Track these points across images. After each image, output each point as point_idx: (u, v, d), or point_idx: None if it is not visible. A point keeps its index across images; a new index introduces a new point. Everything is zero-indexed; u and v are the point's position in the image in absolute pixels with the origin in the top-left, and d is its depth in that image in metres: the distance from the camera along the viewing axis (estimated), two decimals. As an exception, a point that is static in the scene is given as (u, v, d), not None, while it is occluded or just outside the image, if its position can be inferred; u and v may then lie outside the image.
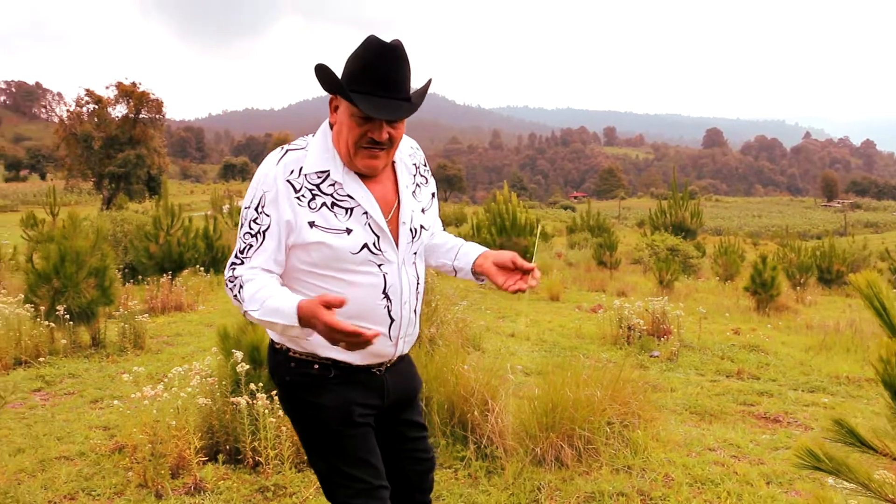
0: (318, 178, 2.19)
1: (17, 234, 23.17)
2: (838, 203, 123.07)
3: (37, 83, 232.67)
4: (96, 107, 55.92)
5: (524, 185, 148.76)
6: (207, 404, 4.31)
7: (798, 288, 16.86)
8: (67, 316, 7.37)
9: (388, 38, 2.08)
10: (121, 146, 55.11)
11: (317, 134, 2.29)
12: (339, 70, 2.15)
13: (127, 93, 55.83)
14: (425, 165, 2.51)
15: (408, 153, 2.44)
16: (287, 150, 2.23)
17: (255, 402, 4.04)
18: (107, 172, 54.85)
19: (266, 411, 4.02)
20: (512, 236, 15.13)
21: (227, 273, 2.20)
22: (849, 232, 63.02)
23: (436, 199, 2.55)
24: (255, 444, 4.13)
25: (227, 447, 4.34)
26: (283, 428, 4.07)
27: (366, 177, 2.25)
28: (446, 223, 45.96)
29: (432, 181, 2.55)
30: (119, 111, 56.55)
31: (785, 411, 6.02)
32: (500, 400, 4.61)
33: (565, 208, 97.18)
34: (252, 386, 4.13)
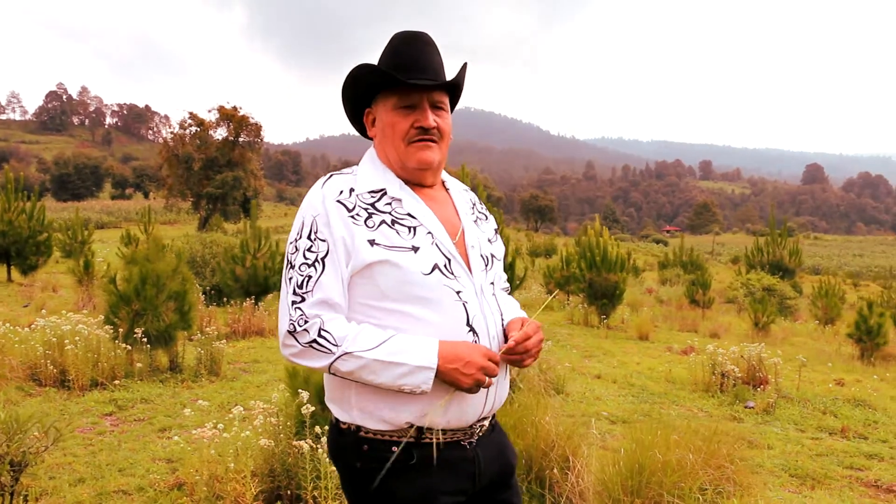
0: (373, 196, 1.95)
1: (114, 250, 23.89)
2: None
3: (146, 106, 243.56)
4: (198, 129, 57.69)
5: (616, 218, 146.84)
6: (269, 446, 4.09)
7: (907, 336, 15.80)
8: (145, 339, 7.33)
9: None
10: (219, 168, 56.63)
11: (363, 160, 2.06)
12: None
13: (228, 116, 57.43)
14: (481, 204, 2.29)
15: (462, 188, 2.22)
16: (332, 175, 1.99)
17: (318, 447, 3.79)
18: (205, 193, 56.42)
19: (329, 459, 3.76)
20: (602, 271, 14.64)
21: (293, 315, 1.84)
22: (960, 276, 59.75)
23: (500, 241, 2.24)
24: (316, 492, 3.88)
25: (289, 493, 4.10)
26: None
27: (418, 187, 2.03)
28: (537, 253, 45.26)
29: (493, 219, 2.27)
30: (219, 134, 58.22)
31: (900, 480, 5.43)
32: (581, 456, 4.25)
33: (657, 242, 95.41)
34: (317, 429, 3.87)
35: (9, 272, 17.76)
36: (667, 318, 16.90)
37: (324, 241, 1.87)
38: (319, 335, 1.81)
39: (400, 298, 1.87)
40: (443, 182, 2.15)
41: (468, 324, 1.92)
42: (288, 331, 1.84)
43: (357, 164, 2.08)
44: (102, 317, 7.56)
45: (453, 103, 2.10)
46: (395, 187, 1.97)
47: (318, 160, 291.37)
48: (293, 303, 1.85)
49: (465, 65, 2.02)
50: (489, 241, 2.14)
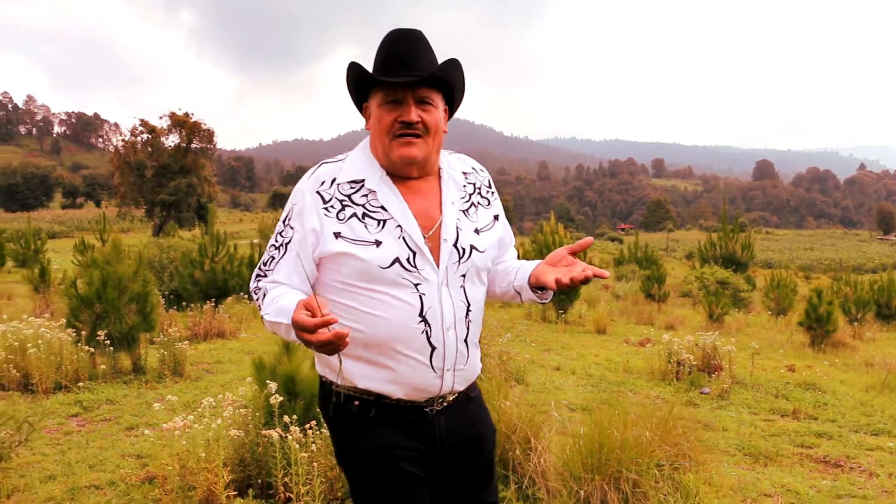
0: (351, 188, 2.10)
1: (69, 258, 23.54)
2: (895, 236, 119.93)
3: (95, 114, 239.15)
4: (150, 136, 57.05)
5: (571, 217, 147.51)
6: (239, 436, 4.19)
7: (855, 324, 16.25)
8: (108, 341, 7.33)
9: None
10: (172, 175, 56.09)
11: (357, 148, 2.20)
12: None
13: (179, 123, 56.87)
14: (489, 187, 2.35)
15: (460, 169, 2.28)
16: (322, 164, 2.16)
17: (287, 435, 3.89)
18: (158, 200, 55.84)
19: (298, 445, 3.86)
20: (558, 268, 14.83)
21: (252, 284, 2.18)
22: (906, 266, 61.30)
23: (501, 223, 2.34)
24: (287, 479, 3.98)
25: (259, 481, 4.20)
26: (315, 464, 3.91)
27: (402, 179, 2.13)
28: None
29: (497, 205, 2.36)
30: (172, 140, 57.65)
31: (847, 455, 5.70)
32: (543, 438, 4.41)
33: (612, 240, 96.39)
34: (286, 418, 3.98)
35: (-39, 282, 17.49)
36: (623, 313, 17.15)
37: (293, 228, 2.10)
38: (261, 301, 2.11)
39: (358, 284, 2.04)
40: (439, 170, 2.23)
41: (421, 314, 2.05)
42: (250, 292, 2.20)
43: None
44: (64, 320, 7.55)
45: (452, 100, 2.20)
46: (375, 179, 2.10)
47: (272, 165, 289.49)
48: (257, 275, 2.18)
49: (451, 61, 2.09)
50: (476, 230, 2.21)
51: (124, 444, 5.37)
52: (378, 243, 2.03)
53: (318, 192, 2.08)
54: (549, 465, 4.27)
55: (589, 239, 2.15)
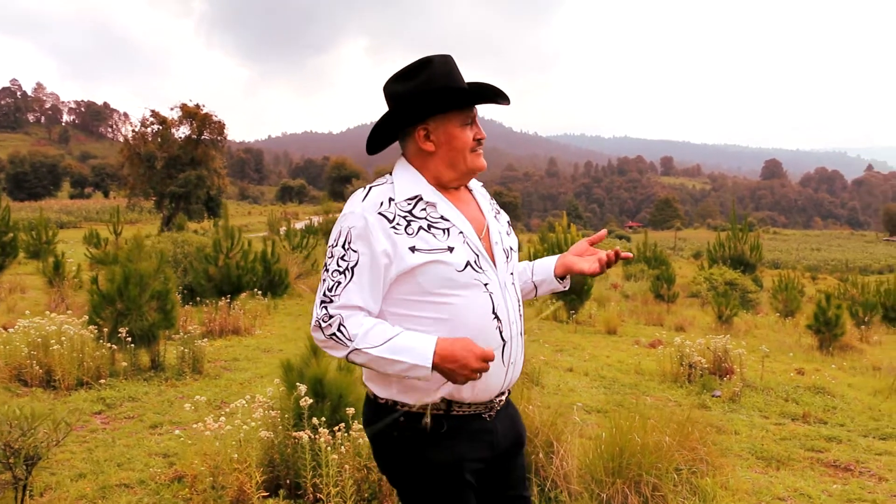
0: (409, 204, 2.17)
1: (80, 250, 23.65)
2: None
3: (105, 103, 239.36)
4: (160, 127, 57.06)
5: (579, 214, 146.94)
6: (269, 437, 4.28)
7: (862, 326, 16.28)
8: (129, 338, 7.43)
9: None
10: (182, 166, 56.08)
11: (396, 169, 2.28)
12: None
13: (190, 114, 56.84)
14: (493, 200, 2.54)
15: (479, 184, 2.48)
16: (370, 188, 2.20)
17: (317, 437, 3.98)
18: (168, 192, 55.87)
19: (328, 447, 3.95)
20: (569, 267, 14.86)
21: (319, 313, 2.10)
22: (913, 268, 61.15)
23: (513, 232, 2.52)
24: (317, 479, 4.07)
25: (288, 482, 4.29)
26: (346, 466, 4.00)
27: (447, 191, 2.28)
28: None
29: (504, 213, 2.54)
30: (182, 132, 57.64)
31: (856, 459, 5.79)
32: (565, 441, 4.50)
33: (620, 238, 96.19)
34: (315, 420, 4.08)
35: (-27, 274, 17.52)
36: (633, 313, 17.20)
37: (355, 251, 2.10)
38: (338, 330, 2.06)
39: (436, 293, 2.11)
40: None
41: (493, 312, 2.18)
42: (315, 325, 2.11)
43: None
44: (86, 317, 7.64)
45: None
46: (429, 192, 2.20)
47: (281, 158, 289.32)
48: (321, 302, 2.11)
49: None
50: (507, 234, 2.39)
51: (150, 443, 5.45)
52: (451, 249, 2.14)
53: (380, 214, 2.11)
54: (572, 468, 4.36)
55: (603, 231, 2.43)
